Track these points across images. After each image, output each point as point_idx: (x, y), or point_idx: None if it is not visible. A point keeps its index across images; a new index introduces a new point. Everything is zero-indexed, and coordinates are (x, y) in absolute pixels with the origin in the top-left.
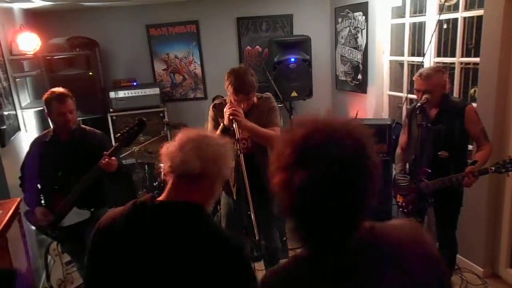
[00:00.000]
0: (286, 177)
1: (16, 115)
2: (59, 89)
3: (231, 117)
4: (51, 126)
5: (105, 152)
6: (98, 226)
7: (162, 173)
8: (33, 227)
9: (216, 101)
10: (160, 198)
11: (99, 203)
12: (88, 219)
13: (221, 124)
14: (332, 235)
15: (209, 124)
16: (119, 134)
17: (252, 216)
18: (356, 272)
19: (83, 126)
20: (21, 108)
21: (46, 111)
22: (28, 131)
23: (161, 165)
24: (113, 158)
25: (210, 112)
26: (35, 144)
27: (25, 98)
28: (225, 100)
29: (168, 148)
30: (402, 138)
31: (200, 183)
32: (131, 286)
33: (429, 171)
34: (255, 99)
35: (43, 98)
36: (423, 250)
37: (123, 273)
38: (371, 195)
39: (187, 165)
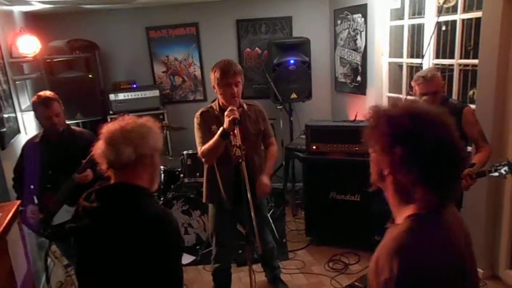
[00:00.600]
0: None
1: (16, 118)
2: (45, 93)
3: (232, 119)
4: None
5: (82, 161)
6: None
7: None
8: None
9: (203, 109)
10: None
11: None
12: None
13: (221, 128)
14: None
15: (197, 132)
16: (92, 133)
17: (254, 223)
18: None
19: (72, 127)
20: (21, 110)
21: (34, 114)
22: (28, 134)
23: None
24: (86, 173)
25: (198, 120)
26: (26, 145)
27: (25, 100)
28: (212, 106)
29: (98, 149)
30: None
31: (140, 166)
32: (91, 270)
33: None
34: (245, 105)
35: (31, 102)
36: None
37: (86, 263)
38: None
39: (122, 155)
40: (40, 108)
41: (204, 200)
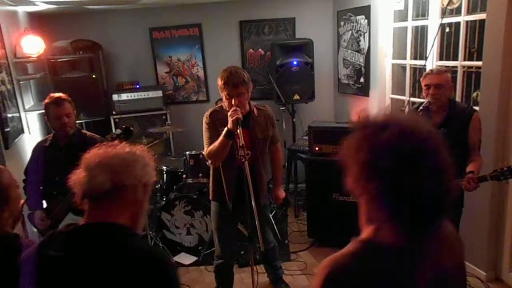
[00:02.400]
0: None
1: (20, 118)
2: (58, 94)
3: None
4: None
5: None
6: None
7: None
8: (35, 229)
9: (212, 109)
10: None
11: None
12: None
13: (225, 129)
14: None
15: (205, 132)
16: (104, 140)
17: (257, 223)
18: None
19: (83, 131)
20: (25, 110)
21: (45, 116)
22: (31, 134)
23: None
24: None
25: (207, 120)
26: (36, 148)
27: (28, 100)
28: (221, 106)
29: (75, 176)
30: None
31: (119, 200)
32: None
33: None
34: (255, 110)
35: (43, 103)
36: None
37: None
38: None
39: (94, 181)
40: (52, 107)
41: (210, 197)
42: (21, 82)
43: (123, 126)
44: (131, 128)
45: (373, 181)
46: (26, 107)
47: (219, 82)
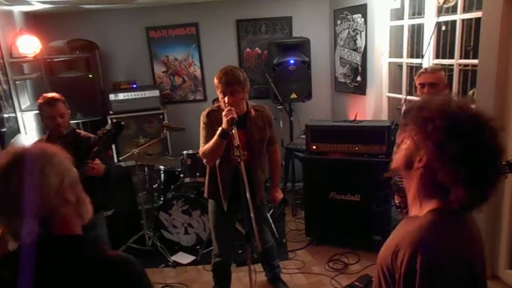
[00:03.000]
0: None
1: (16, 118)
2: (51, 94)
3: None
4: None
5: (87, 161)
6: None
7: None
8: None
9: (210, 109)
10: None
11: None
12: None
13: (220, 128)
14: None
15: (202, 131)
16: (97, 138)
17: (254, 223)
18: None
19: (77, 130)
20: (21, 110)
21: (39, 115)
22: (27, 134)
23: None
24: (96, 161)
25: (204, 119)
26: None
27: (25, 100)
28: (219, 106)
29: None
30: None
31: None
32: None
33: None
34: (252, 111)
35: (37, 103)
36: None
37: None
38: None
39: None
40: (45, 107)
41: (205, 195)
42: (17, 82)
43: (114, 121)
44: (122, 123)
45: (450, 144)
46: (23, 107)
47: (215, 81)
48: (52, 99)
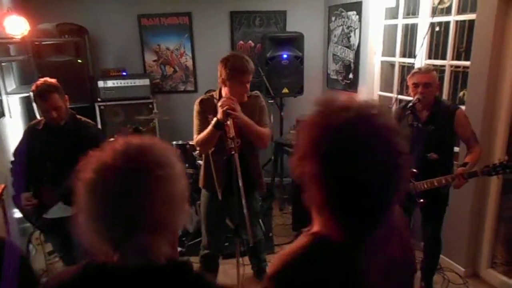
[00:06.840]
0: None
1: (1, 101)
2: (43, 83)
3: (228, 111)
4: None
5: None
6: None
7: None
8: (17, 215)
9: (203, 97)
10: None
11: None
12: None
13: (214, 119)
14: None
15: (195, 120)
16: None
17: (246, 217)
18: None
19: (78, 116)
20: (6, 93)
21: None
22: (12, 117)
23: None
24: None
25: (197, 108)
26: (27, 131)
27: (10, 83)
28: (212, 95)
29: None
30: None
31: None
32: None
33: (416, 172)
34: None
35: (30, 91)
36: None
37: None
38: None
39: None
40: (37, 100)
41: (200, 184)
42: (3, 64)
43: (133, 127)
44: (141, 128)
45: (316, 162)
46: (8, 90)
47: (228, 70)
48: (44, 91)
